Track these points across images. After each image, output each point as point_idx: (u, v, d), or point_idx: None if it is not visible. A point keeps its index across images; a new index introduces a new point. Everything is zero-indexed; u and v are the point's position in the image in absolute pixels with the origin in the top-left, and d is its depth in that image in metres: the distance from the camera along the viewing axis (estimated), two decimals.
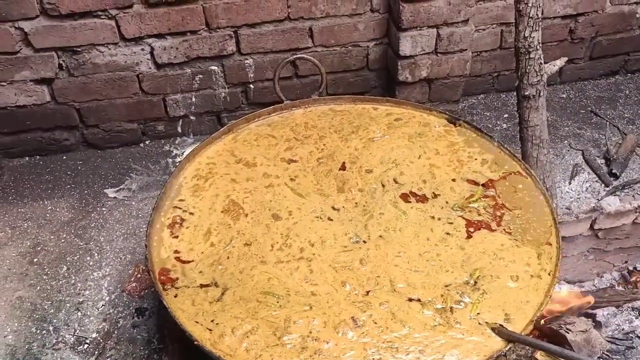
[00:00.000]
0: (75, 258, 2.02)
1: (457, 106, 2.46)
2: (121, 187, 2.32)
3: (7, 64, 2.18)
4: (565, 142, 2.42)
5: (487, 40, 2.50)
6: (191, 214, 1.56)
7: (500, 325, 1.22)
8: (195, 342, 1.24)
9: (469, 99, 2.64)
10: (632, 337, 1.73)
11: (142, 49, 2.24)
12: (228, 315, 1.30)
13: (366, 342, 1.23)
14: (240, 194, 1.61)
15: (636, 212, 2.16)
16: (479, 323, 1.25)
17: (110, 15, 2.13)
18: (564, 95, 2.70)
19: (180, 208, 1.57)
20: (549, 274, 1.34)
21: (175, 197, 1.62)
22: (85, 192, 2.29)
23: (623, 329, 1.76)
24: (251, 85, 2.42)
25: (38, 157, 2.46)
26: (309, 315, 1.29)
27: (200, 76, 2.36)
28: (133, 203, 2.24)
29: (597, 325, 1.61)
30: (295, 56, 1.91)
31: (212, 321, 1.29)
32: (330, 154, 1.73)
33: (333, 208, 1.56)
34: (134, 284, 1.92)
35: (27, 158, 2.45)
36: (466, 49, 2.29)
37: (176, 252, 1.46)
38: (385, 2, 2.27)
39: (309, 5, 2.23)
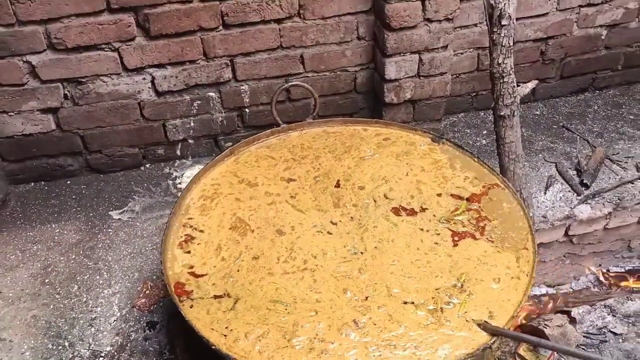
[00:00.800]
0: (86, 277, 2.13)
1: (439, 124, 2.64)
2: (125, 209, 2.44)
3: (15, 95, 2.30)
4: (540, 155, 2.61)
5: (465, 63, 2.69)
6: (201, 231, 1.69)
7: (485, 321, 1.38)
8: (213, 347, 1.37)
9: (450, 117, 2.83)
10: (605, 332, 1.89)
11: (144, 78, 2.38)
12: (241, 322, 1.44)
13: (367, 341, 1.37)
14: (245, 211, 1.75)
15: (606, 218, 2.35)
16: (467, 320, 1.40)
17: (113, 48, 2.27)
18: (537, 112, 2.90)
19: (190, 226, 1.71)
20: (527, 275, 1.50)
21: (185, 216, 1.75)
22: (91, 214, 2.41)
23: (597, 325, 1.92)
24: (247, 110, 2.57)
25: (43, 182, 2.57)
26: (314, 320, 1.43)
27: (199, 102, 2.50)
28: (137, 224, 2.36)
29: (572, 321, 1.76)
30: (290, 83, 2.07)
31: (226, 328, 1.42)
32: (325, 172, 1.88)
33: (331, 222, 1.71)
34: (143, 300, 2.04)
35: (32, 184, 2.56)
36: (446, 72, 2.48)
37: (190, 266, 1.59)
38: (371, 30, 2.45)
39: (300, 35, 2.40)
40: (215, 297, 1.50)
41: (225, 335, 1.41)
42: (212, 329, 1.42)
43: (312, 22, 2.37)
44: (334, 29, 2.41)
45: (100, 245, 2.26)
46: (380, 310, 1.45)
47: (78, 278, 2.13)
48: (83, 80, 2.32)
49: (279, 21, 2.35)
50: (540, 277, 2.47)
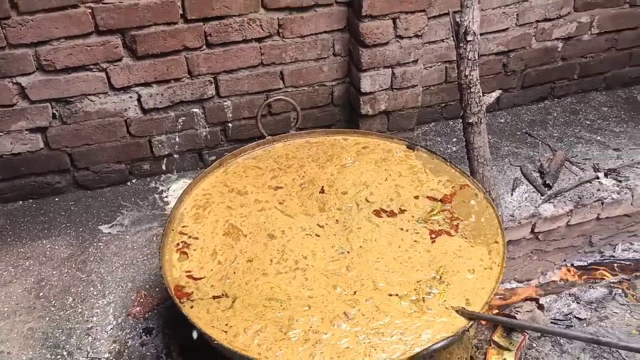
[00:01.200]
0: (79, 289, 2.21)
1: (412, 134, 2.81)
2: (114, 223, 2.52)
3: (4, 115, 2.37)
4: (506, 160, 2.80)
5: (434, 76, 2.87)
6: (196, 238, 1.80)
7: (462, 307, 1.52)
8: (215, 342, 1.47)
9: (422, 126, 3.00)
10: (570, 317, 2.06)
11: (130, 97, 2.48)
12: (239, 318, 1.55)
13: (357, 330, 1.50)
14: (237, 218, 1.86)
15: (568, 215, 2.54)
16: (446, 308, 1.54)
17: (101, 68, 2.37)
18: (502, 120, 3.09)
19: (185, 234, 1.81)
20: (498, 265, 1.66)
21: (179, 224, 1.86)
22: (81, 229, 2.48)
23: (563, 312, 2.09)
24: (230, 124, 2.69)
25: (31, 200, 2.62)
26: (308, 314, 1.55)
27: (183, 118, 2.61)
28: (127, 237, 2.44)
29: (540, 307, 1.93)
30: (274, 98, 2.21)
31: (226, 325, 1.53)
32: (310, 179, 2.02)
33: (318, 225, 1.84)
34: (138, 308, 2.12)
35: (20, 202, 2.61)
36: (417, 85, 2.65)
37: (187, 271, 1.69)
38: (346, 47, 2.61)
39: (279, 52, 2.54)
40: (214, 297, 1.61)
41: (225, 332, 1.51)
42: (213, 327, 1.53)
43: (290, 40, 2.51)
44: (312, 47, 2.56)
45: (91, 259, 2.33)
46: (367, 302, 1.58)
47: (72, 290, 2.20)
48: (71, 99, 2.41)
49: (259, 40, 2.48)
50: (510, 273, 2.64)
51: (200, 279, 1.67)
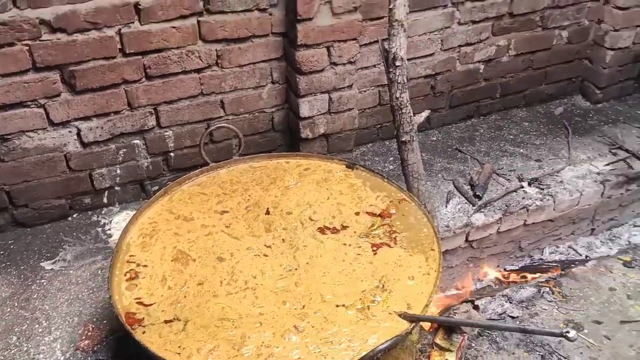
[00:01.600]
0: (24, 328, 2.16)
1: (351, 155, 2.94)
2: (56, 259, 2.48)
3: None
4: (439, 175, 2.97)
5: (369, 99, 3.03)
6: (144, 266, 1.83)
7: (404, 312, 1.62)
8: None
9: (360, 147, 3.14)
10: (504, 317, 2.21)
11: (70, 131, 2.48)
12: (192, 340, 1.58)
13: (307, 341, 1.57)
14: (185, 244, 1.90)
15: (498, 223, 2.72)
16: (389, 313, 1.64)
17: (39, 104, 2.36)
18: (434, 138, 3.28)
19: (133, 262, 1.83)
20: (435, 271, 1.78)
21: (127, 254, 1.87)
22: (22, 267, 2.42)
23: (497, 312, 2.24)
24: (172, 154, 2.72)
25: None
26: (260, 330, 1.60)
27: (124, 150, 2.62)
28: (71, 272, 2.41)
29: (476, 307, 2.06)
30: (217, 125, 2.28)
31: (179, 347, 1.56)
32: (255, 202, 2.09)
33: (265, 246, 1.91)
34: (86, 342, 2.10)
35: None
36: (353, 108, 2.79)
37: (137, 298, 1.71)
38: (284, 75, 2.72)
39: (219, 82, 2.62)
40: (166, 322, 1.64)
41: (179, 354, 1.54)
42: (166, 350, 1.55)
43: (229, 70, 2.60)
44: (250, 75, 2.65)
45: (35, 296, 2.29)
46: (316, 314, 1.65)
47: (16, 329, 2.15)
48: (9, 137, 2.38)
49: (198, 71, 2.56)
50: (449, 282, 2.79)
51: (151, 305, 1.69)
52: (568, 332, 1.25)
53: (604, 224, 3.17)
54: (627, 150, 3.16)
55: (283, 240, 1.94)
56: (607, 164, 3.07)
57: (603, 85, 3.55)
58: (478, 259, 2.83)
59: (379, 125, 3.16)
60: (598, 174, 3.01)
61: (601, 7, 3.37)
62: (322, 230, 1.98)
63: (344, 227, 1.99)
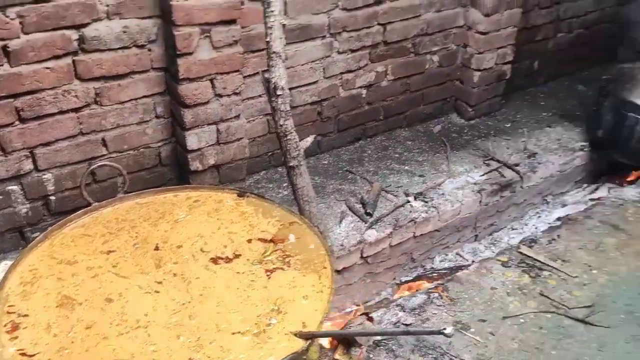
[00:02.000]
0: None
1: (244, 184, 2.96)
2: None
3: None
4: (332, 196, 3.07)
5: (258, 128, 3.09)
6: (26, 315, 1.72)
7: (300, 330, 1.66)
8: None
9: (253, 176, 3.17)
10: (399, 325, 2.32)
11: None
12: None
13: None
14: (70, 288, 1.82)
15: (389, 237, 2.86)
16: (285, 334, 1.67)
17: None
18: (325, 162, 3.40)
19: (13, 313, 1.72)
20: (328, 287, 1.84)
21: (5, 305, 1.76)
22: None
23: (392, 321, 2.34)
24: (52, 197, 2.59)
25: None
26: None
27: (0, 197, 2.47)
28: None
29: (370, 319, 2.15)
30: (97, 164, 2.21)
31: None
32: (143, 239, 2.04)
33: (156, 282, 1.87)
34: None
35: None
36: (242, 137, 2.83)
37: (20, 349, 1.61)
38: (168, 108, 2.71)
39: (99, 120, 2.55)
40: None
41: None
42: None
43: (110, 107, 2.54)
44: (133, 111, 2.61)
45: None
46: (212, 344, 1.64)
47: None
48: None
49: (76, 110, 2.48)
50: (349, 299, 2.88)
51: (35, 355, 1.59)
52: (445, 329, 1.35)
53: (485, 229, 3.43)
54: (498, 161, 3.46)
55: (174, 274, 1.91)
56: (482, 174, 3.34)
57: (473, 103, 3.87)
58: (374, 273, 2.94)
59: (270, 153, 3.22)
60: (475, 184, 3.27)
61: (465, 32, 3.70)
62: (214, 260, 1.98)
63: (237, 256, 2.00)
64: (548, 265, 2.73)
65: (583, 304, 2.50)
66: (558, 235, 2.94)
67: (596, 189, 3.70)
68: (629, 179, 3.64)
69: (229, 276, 1.91)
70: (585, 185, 3.79)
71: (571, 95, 4.28)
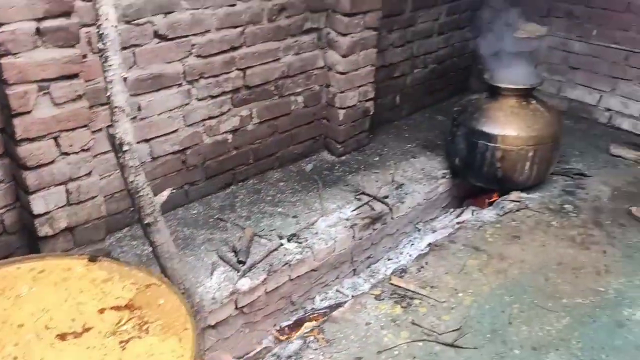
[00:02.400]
0: None
1: (104, 244, 2.77)
2: None
3: None
4: (202, 247, 2.97)
5: (116, 183, 2.92)
6: None
7: None
8: None
9: (115, 234, 2.99)
10: None
11: None
12: None
13: None
14: None
15: (264, 284, 2.81)
16: None
17: None
18: (194, 211, 3.29)
19: None
20: (190, 350, 1.74)
21: None
22: None
23: None
24: None
25: None
26: None
27: None
28: None
29: None
30: None
31: None
32: None
33: None
34: None
35: None
36: (97, 195, 2.65)
37: None
38: (9, 172, 2.48)
39: None
40: None
41: None
42: None
43: None
44: None
45: None
46: None
47: None
48: None
49: None
50: (229, 353, 2.76)
51: None
52: None
53: (362, 263, 3.49)
54: (368, 195, 3.57)
55: (15, 358, 1.71)
56: (354, 210, 3.41)
57: (341, 140, 3.98)
58: (253, 322, 2.86)
59: (132, 208, 3.03)
60: (347, 219, 3.33)
61: (327, 73, 3.82)
62: (62, 337, 1.80)
63: (87, 329, 1.83)
64: (418, 293, 2.81)
65: (451, 328, 2.60)
66: (426, 262, 3.06)
67: (461, 213, 3.92)
68: (490, 201, 3.90)
69: (78, 353, 1.75)
70: (451, 210, 4.01)
71: (432, 126, 4.55)
